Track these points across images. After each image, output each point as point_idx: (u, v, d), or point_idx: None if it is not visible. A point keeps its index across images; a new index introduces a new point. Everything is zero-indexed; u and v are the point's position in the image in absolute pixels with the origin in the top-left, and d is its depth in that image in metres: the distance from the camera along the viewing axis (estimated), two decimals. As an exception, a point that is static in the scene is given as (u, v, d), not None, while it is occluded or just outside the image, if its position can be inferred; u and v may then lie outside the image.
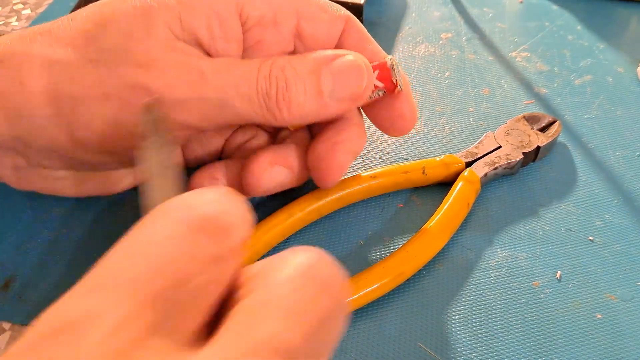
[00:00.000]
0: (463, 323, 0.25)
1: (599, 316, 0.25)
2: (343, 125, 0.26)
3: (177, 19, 0.23)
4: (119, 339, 0.11)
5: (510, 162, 0.31)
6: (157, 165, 0.17)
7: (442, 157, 0.31)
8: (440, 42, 0.42)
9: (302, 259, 0.14)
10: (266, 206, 0.29)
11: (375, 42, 0.27)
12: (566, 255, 0.28)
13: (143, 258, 0.13)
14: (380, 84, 0.25)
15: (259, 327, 0.12)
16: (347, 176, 0.29)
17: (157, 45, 0.22)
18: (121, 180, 0.29)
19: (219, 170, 0.27)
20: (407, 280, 0.26)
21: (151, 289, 0.12)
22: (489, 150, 0.31)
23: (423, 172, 0.30)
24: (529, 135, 0.32)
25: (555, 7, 0.45)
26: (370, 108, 0.27)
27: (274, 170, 0.26)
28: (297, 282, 0.13)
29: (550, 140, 0.32)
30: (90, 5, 0.24)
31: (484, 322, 0.25)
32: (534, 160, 0.32)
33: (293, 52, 0.26)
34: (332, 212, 0.29)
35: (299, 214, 0.28)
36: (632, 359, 0.24)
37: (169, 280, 0.12)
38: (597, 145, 0.33)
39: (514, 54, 0.41)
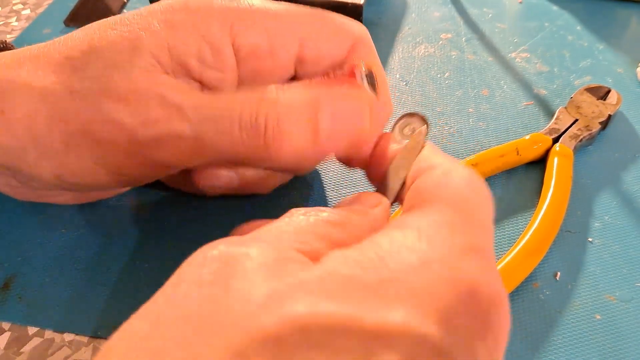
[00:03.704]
0: (462, 324, 0.25)
1: (598, 317, 0.25)
2: None
3: (165, 49, 0.21)
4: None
5: (591, 133, 0.32)
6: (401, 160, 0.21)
7: (529, 136, 0.32)
8: (440, 42, 0.42)
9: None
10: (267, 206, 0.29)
11: (381, 65, 0.25)
12: (565, 256, 0.28)
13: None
14: None
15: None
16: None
17: (138, 78, 0.21)
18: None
19: None
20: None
21: None
22: (569, 124, 0.33)
23: (517, 153, 0.31)
24: (597, 106, 0.34)
25: (555, 7, 0.45)
26: None
27: (219, 172, 0.25)
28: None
29: (617, 108, 0.34)
30: (82, 29, 0.23)
31: (484, 322, 0.25)
32: (604, 129, 0.34)
33: (294, 78, 0.25)
34: None
35: None
36: (632, 359, 0.24)
37: None
38: (596, 147, 0.34)
39: (513, 54, 0.41)
